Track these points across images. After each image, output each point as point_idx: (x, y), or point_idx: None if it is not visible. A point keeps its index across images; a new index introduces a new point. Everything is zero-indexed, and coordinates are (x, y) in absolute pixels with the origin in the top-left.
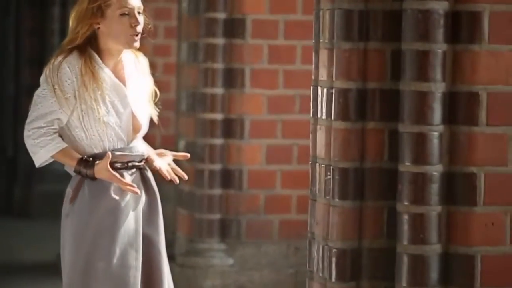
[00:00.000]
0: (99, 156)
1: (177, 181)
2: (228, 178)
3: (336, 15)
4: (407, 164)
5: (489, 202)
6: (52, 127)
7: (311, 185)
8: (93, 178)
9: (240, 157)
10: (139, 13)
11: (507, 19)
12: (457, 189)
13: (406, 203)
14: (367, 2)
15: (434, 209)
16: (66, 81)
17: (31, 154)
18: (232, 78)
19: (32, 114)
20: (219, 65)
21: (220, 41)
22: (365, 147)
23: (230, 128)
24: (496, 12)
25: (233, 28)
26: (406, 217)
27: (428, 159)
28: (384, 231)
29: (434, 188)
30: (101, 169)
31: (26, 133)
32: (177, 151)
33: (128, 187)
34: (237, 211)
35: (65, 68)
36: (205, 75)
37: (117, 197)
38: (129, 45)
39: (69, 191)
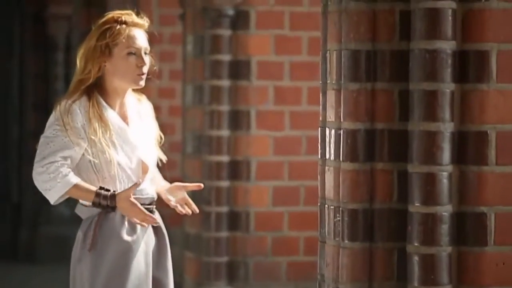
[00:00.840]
0: None
1: (190, 213)
2: (235, 221)
3: (343, 56)
4: (417, 204)
5: (500, 242)
6: (67, 163)
7: (320, 227)
8: (113, 209)
9: (247, 199)
10: (145, 53)
11: None
12: (467, 229)
13: (416, 244)
14: (374, 42)
15: (444, 250)
16: (77, 123)
17: (45, 192)
18: (237, 120)
19: (43, 152)
20: (224, 107)
21: (225, 83)
22: (374, 188)
23: (236, 170)
24: (503, 51)
25: (238, 69)
26: (416, 258)
27: (438, 200)
28: (394, 273)
29: (444, 229)
30: (124, 198)
31: (38, 170)
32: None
33: (149, 218)
34: (245, 253)
35: (76, 110)
36: (211, 117)
37: (128, 240)
38: (135, 84)
39: (79, 235)
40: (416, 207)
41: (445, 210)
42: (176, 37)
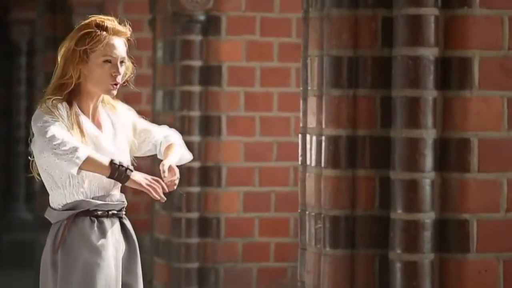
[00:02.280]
0: (80, 205)
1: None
2: (205, 227)
3: (325, 62)
4: (399, 211)
5: (482, 249)
6: (73, 139)
7: (301, 234)
8: (127, 178)
9: (218, 205)
10: (122, 62)
11: (496, 65)
12: (450, 236)
13: (398, 251)
14: (356, 48)
15: (427, 257)
16: (65, 119)
17: (65, 164)
18: (208, 126)
19: (47, 135)
20: (195, 113)
21: (196, 88)
22: (355, 195)
23: (207, 176)
24: (486, 57)
25: (209, 75)
26: (398, 265)
27: (420, 207)
28: (376, 280)
29: (427, 236)
30: (137, 173)
31: (50, 151)
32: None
33: (160, 185)
34: (215, 259)
35: (61, 109)
36: (182, 123)
37: (98, 244)
38: (107, 92)
39: (48, 240)
40: (398, 214)
41: (428, 217)
42: (143, 43)
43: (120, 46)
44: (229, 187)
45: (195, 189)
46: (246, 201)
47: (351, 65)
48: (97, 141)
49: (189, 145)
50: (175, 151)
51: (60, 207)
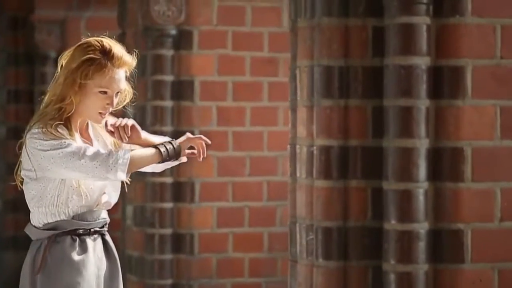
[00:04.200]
0: (62, 225)
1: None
2: (179, 243)
3: (316, 72)
4: (393, 222)
5: (476, 259)
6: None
7: (291, 246)
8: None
9: (191, 221)
10: (118, 93)
11: (489, 73)
12: (444, 246)
13: (392, 262)
14: (346, 58)
15: (421, 268)
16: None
17: (108, 171)
18: None
19: (73, 152)
20: (167, 128)
21: (168, 103)
22: (348, 206)
23: (180, 192)
24: (478, 66)
25: (181, 90)
26: (392, 276)
27: (414, 217)
28: None
29: (421, 246)
30: (185, 141)
31: (88, 163)
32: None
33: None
34: (189, 275)
35: (62, 132)
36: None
37: (79, 262)
38: (94, 120)
39: (28, 258)
40: (392, 224)
41: (422, 227)
42: None
43: (121, 79)
44: (202, 203)
45: (168, 205)
46: (219, 216)
47: (342, 75)
48: None
49: None
50: (152, 136)
51: (41, 225)
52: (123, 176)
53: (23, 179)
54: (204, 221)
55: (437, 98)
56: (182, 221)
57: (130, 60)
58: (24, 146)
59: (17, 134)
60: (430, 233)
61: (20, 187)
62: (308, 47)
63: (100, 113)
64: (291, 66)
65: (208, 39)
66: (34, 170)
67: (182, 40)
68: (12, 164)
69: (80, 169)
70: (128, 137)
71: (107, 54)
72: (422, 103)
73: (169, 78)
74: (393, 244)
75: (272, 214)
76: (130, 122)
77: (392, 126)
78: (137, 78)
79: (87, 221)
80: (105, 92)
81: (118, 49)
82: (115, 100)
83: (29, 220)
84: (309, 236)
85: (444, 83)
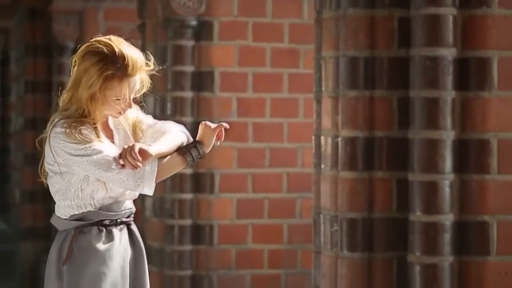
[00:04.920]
0: (88, 216)
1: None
2: (198, 234)
3: (341, 63)
4: (418, 213)
5: (502, 251)
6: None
7: (315, 237)
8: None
9: (211, 212)
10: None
11: None
12: (470, 238)
13: (417, 254)
14: (372, 49)
15: (446, 259)
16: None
17: (136, 186)
18: None
19: (103, 162)
20: (187, 119)
21: (188, 94)
22: (373, 197)
23: (200, 183)
24: (505, 58)
25: (201, 81)
26: (418, 268)
27: (440, 208)
28: (394, 283)
29: (446, 238)
30: (206, 134)
31: (115, 176)
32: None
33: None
34: (208, 266)
35: (88, 133)
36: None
37: (105, 255)
38: (113, 116)
39: (53, 249)
40: (417, 216)
41: (447, 219)
42: None
43: (136, 84)
44: (222, 194)
45: (188, 196)
46: (239, 207)
47: (368, 65)
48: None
49: None
50: (164, 139)
51: (67, 217)
52: (150, 191)
53: (47, 173)
54: (224, 212)
55: (463, 90)
56: (202, 212)
57: (144, 64)
58: (47, 141)
59: (34, 125)
60: (456, 225)
61: (45, 183)
62: (333, 38)
63: (117, 112)
64: (315, 57)
65: (229, 30)
66: (58, 165)
67: (203, 31)
68: (29, 155)
69: (106, 179)
70: (140, 162)
71: (121, 65)
72: (448, 95)
73: (189, 69)
74: (418, 235)
75: (291, 206)
76: (136, 147)
77: (418, 117)
78: (158, 69)
79: (113, 211)
80: (119, 99)
81: (131, 56)
82: (132, 100)
83: (47, 210)
84: (333, 227)
85: (470, 74)
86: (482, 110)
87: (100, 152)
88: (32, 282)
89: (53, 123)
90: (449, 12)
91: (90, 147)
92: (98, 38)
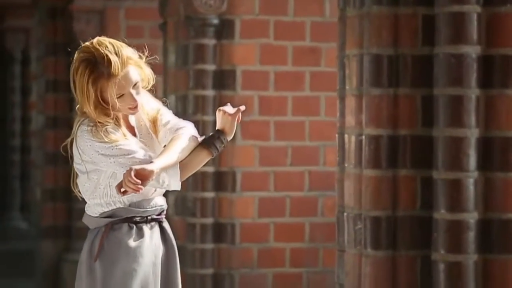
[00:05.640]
0: (118, 213)
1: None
2: (220, 232)
3: (365, 61)
4: (442, 211)
5: None
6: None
7: (339, 235)
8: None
9: (232, 211)
10: (135, 85)
11: None
12: (494, 236)
13: (441, 252)
14: (396, 47)
15: (471, 258)
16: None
17: (163, 186)
18: None
19: (119, 162)
20: (209, 117)
21: (210, 92)
22: (397, 195)
23: (222, 181)
24: None
25: (223, 79)
26: (442, 266)
27: (464, 206)
28: (418, 281)
29: (471, 236)
30: (226, 122)
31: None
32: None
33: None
34: (230, 265)
35: (111, 128)
36: (196, 127)
37: (136, 252)
38: (129, 113)
39: (85, 246)
40: (441, 214)
41: (471, 217)
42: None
43: (128, 76)
44: (243, 192)
45: (210, 194)
46: (261, 206)
47: (392, 63)
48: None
49: None
50: (166, 153)
51: (98, 215)
52: (177, 187)
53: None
54: (245, 211)
55: (487, 87)
56: (224, 211)
57: (131, 56)
58: (74, 142)
59: (55, 124)
60: (480, 223)
61: (80, 197)
62: (357, 36)
63: (129, 108)
64: (339, 55)
65: (250, 28)
66: (85, 163)
67: (224, 29)
68: (50, 154)
69: None
70: (141, 185)
71: (104, 65)
72: (472, 92)
73: (211, 67)
74: (442, 233)
75: (313, 204)
76: (132, 172)
77: (442, 115)
78: (178, 67)
79: (143, 208)
80: (122, 95)
81: (112, 52)
82: (136, 94)
83: (68, 209)
84: (357, 225)
85: (495, 72)
86: (506, 108)
87: (126, 152)
88: (53, 281)
89: (79, 123)
90: (473, 10)
91: (116, 146)
92: (81, 46)
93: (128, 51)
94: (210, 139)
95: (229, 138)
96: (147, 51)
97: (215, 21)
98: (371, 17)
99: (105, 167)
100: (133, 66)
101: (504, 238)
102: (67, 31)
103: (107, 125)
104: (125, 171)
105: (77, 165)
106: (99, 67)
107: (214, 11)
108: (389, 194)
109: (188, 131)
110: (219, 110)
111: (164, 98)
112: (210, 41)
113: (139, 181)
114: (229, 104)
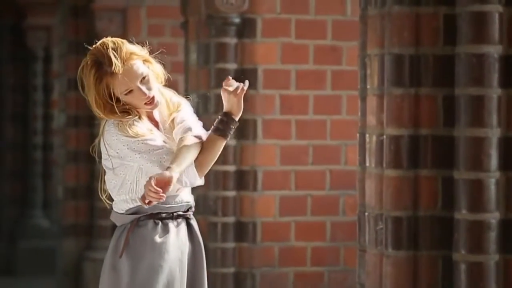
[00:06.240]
0: (143, 209)
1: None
2: (241, 231)
3: (386, 61)
4: (464, 212)
5: None
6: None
7: (359, 235)
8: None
9: (254, 210)
10: (143, 79)
11: None
12: None
13: (463, 252)
14: (417, 46)
15: (492, 258)
16: (142, 128)
17: (188, 182)
18: (244, 129)
19: (145, 158)
20: None
21: None
22: (418, 195)
23: (243, 180)
24: None
25: (244, 78)
26: (463, 266)
27: (486, 207)
28: (439, 281)
29: (492, 236)
30: (233, 103)
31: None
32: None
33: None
34: (251, 264)
35: (136, 122)
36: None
37: (161, 248)
38: (148, 109)
39: (112, 242)
40: (463, 214)
41: (493, 217)
42: (166, 48)
43: (132, 71)
44: (265, 191)
45: (231, 193)
46: (282, 205)
47: (413, 63)
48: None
49: (225, 149)
50: (180, 155)
51: (124, 211)
52: (200, 182)
53: (109, 197)
54: (267, 210)
55: (509, 87)
56: (245, 210)
57: (132, 50)
58: (101, 139)
59: (77, 122)
60: (501, 223)
61: (108, 206)
62: (378, 35)
63: (145, 104)
64: (360, 54)
65: (272, 27)
66: (111, 158)
67: (246, 28)
68: (72, 152)
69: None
70: (163, 193)
71: (105, 62)
72: (494, 92)
73: (232, 66)
74: (463, 234)
75: (335, 203)
76: (152, 181)
77: (463, 115)
78: (199, 66)
79: (168, 204)
80: (131, 91)
81: (111, 49)
82: (146, 87)
83: (89, 207)
84: (378, 225)
85: None
86: None
87: (152, 147)
88: (74, 279)
89: (105, 122)
90: (495, 9)
91: (143, 141)
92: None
93: (131, 47)
94: (221, 125)
95: (237, 117)
96: (154, 48)
97: (237, 20)
98: (392, 17)
99: (131, 162)
100: (139, 61)
101: None
102: (89, 30)
103: (133, 120)
104: (151, 166)
105: (104, 161)
106: (103, 67)
107: (236, 10)
108: (410, 194)
109: (194, 132)
110: (223, 90)
111: (188, 96)
112: (231, 40)
113: (160, 189)
114: (230, 77)
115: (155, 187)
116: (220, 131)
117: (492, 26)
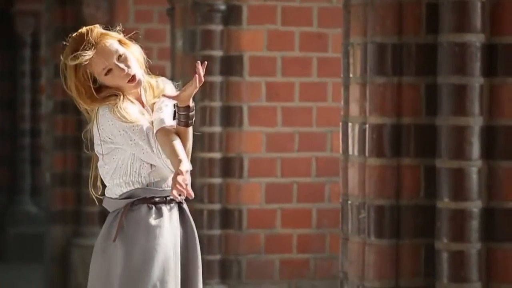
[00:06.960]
0: (136, 193)
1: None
2: (227, 218)
3: (369, 49)
4: (446, 200)
5: None
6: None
7: (342, 224)
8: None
9: (239, 197)
10: (120, 57)
11: None
12: (497, 225)
13: (445, 241)
14: (400, 35)
15: (474, 246)
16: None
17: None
18: (230, 116)
19: (140, 145)
20: (216, 103)
21: (217, 79)
22: (400, 184)
23: (229, 167)
24: None
25: (230, 65)
26: (445, 254)
27: (467, 195)
28: (421, 269)
29: (474, 225)
30: (190, 92)
31: (163, 161)
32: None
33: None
34: (237, 251)
35: (127, 104)
36: (203, 114)
37: (155, 231)
38: (131, 88)
39: (103, 227)
40: (445, 202)
41: (475, 205)
42: (153, 34)
43: (106, 50)
44: (251, 178)
45: (217, 180)
46: (268, 192)
47: (396, 52)
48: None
49: (210, 136)
50: (179, 148)
51: (117, 196)
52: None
53: (100, 191)
54: (253, 197)
55: (491, 76)
56: (231, 197)
57: (103, 32)
58: (95, 124)
59: (64, 109)
60: (483, 212)
61: (97, 201)
62: (361, 24)
63: (127, 82)
64: (343, 42)
65: (257, 14)
66: (103, 143)
67: (231, 15)
68: (60, 138)
69: (153, 161)
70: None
71: (79, 44)
72: (476, 81)
73: (218, 53)
74: (446, 222)
75: (320, 190)
76: (180, 178)
77: (446, 104)
78: (185, 53)
79: (161, 188)
80: (110, 70)
81: (84, 31)
82: (124, 64)
83: (77, 194)
84: (361, 214)
85: (499, 60)
86: (510, 96)
87: (145, 135)
88: (61, 265)
89: (97, 108)
90: None
91: (137, 127)
92: None
93: (103, 30)
94: (182, 118)
95: (183, 105)
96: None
97: (222, 7)
98: (375, 5)
99: (125, 147)
100: (113, 40)
101: (508, 227)
102: (77, 16)
103: (123, 103)
104: (143, 153)
105: (97, 147)
106: (75, 48)
107: None
108: (393, 182)
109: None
110: (199, 80)
111: (178, 83)
112: (217, 27)
113: (184, 184)
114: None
115: (182, 183)
116: (184, 123)
117: (474, 14)
